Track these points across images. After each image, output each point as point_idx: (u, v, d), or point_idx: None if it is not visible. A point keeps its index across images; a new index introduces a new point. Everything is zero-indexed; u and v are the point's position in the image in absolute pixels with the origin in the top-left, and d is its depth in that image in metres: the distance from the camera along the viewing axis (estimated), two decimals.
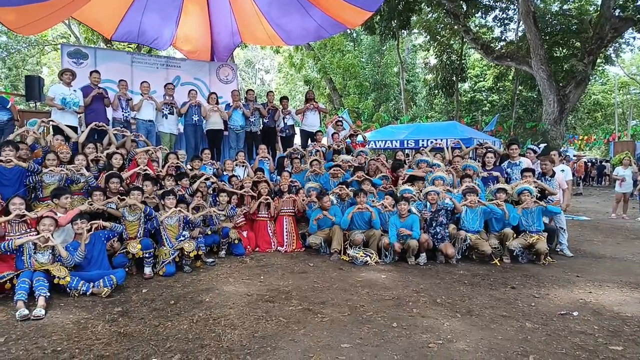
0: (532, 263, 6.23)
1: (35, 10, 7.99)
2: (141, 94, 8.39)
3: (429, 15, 23.18)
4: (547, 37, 20.42)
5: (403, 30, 21.82)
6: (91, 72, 7.92)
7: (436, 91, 26.14)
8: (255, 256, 6.52)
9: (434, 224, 6.29)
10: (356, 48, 28.49)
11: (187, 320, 3.90)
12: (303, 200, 7.13)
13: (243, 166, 7.98)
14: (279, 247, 6.87)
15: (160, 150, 7.59)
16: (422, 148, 8.82)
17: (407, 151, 15.19)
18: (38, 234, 4.60)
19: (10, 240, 4.49)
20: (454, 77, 24.67)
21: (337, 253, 6.30)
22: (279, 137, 9.85)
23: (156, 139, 8.41)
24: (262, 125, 9.58)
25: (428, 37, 25.02)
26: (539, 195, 6.53)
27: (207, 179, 6.90)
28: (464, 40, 22.33)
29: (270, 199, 7.07)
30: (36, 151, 6.35)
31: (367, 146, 9.90)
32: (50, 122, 7.07)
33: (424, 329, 3.73)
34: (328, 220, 6.61)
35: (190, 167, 7.36)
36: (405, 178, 7.43)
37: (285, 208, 7.14)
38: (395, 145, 14.09)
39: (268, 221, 7.07)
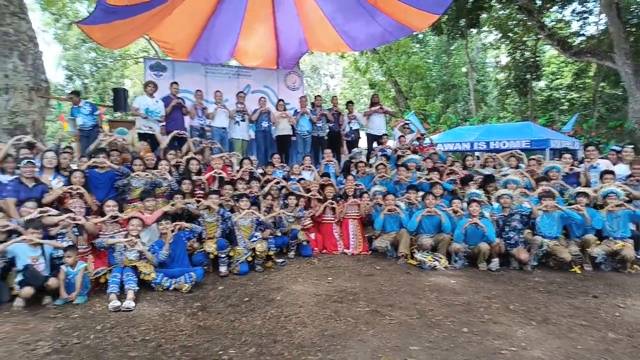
0: (616, 271, 5.81)
1: (119, 26, 8.78)
2: (215, 103, 8.89)
3: (500, 12, 22.26)
4: (633, 29, 18.82)
5: (472, 29, 21.16)
6: (171, 84, 8.55)
7: (508, 90, 25.02)
8: (322, 258, 6.67)
9: (506, 229, 6.08)
10: (422, 49, 27.99)
11: (260, 316, 4.10)
12: (367, 204, 7.18)
13: (310, 170, 8.18)
14: (345, 250, 6.97)
15: (235, 156, 7.98)
16: (495, 154, 8.43)
17: (476, 154, 14.71)
18: (128, 233, 5.06)
19: (104, 239, 5.01)
20: (528, 76, 23.47)
21: (404, 257, 6.27)
22: (344, 142, 9.99)
23: (229, 145, 8.88)
24: (328, 130, 9.75)
25: (499, 34, 24.04)
26: (627, 199, 6.10)
27: (277, 182, 7.16)
28: (539, 36, 21.19)
29: (336, 202, 7.20)
30: (124, 155, 6.95)
31: (435, 148, 9.71)
32: (139, 130, 7.70)
33: (496, 335, 3.65)
34: (395, 224, 6.61)
35: (263, 172, 7.68)
36: (478, 182, 7.23)
37: (350, 211, 7.22)
38: (465, 148, 13.66)
39: (334, 224, 7.20)
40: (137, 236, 5.01)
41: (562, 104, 27.09)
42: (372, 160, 9.28)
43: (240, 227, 6.00)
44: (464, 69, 27.80)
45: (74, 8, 19.87)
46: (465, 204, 6.38)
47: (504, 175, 7.31)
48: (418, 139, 9.47)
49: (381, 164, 7.92)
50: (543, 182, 6.73)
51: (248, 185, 6.89)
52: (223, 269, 5.63)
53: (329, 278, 5.47)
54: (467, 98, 27.31)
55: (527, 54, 23.60)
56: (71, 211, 4.97)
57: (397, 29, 9.97)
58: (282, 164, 8.28)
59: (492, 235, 5.89)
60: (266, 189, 6.93)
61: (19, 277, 4.33)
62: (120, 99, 10.00)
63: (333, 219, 7.16)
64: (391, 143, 9.94)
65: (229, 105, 9.11)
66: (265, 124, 9.16)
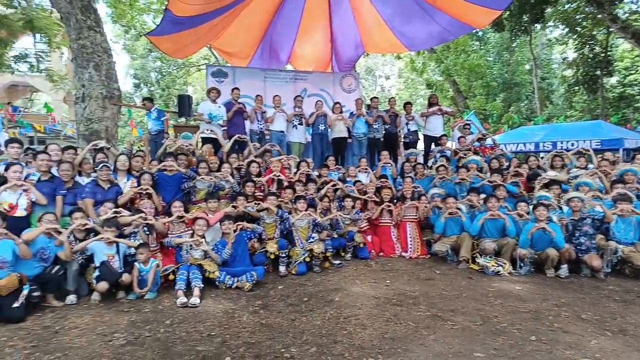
0: None
1: (184, 36, 9.26)
2: (274, 107, 9.10)
3: (567, 6, 21.04)
4: None
5: (536, 25, 20.15)
6: (233, 89, 8.88)
7: (576, 88, 23.53)
8: (379, 260, 6.62)
9: (577, 234, 5.75)
10: (482, 47, 27.01)
11: (319, 316, 4.15)
12: (426, 206, 7.04)
13: (366, 172, 8.15)
14: (403, 253, 6.88)
15: (292, 159, 8.12)
16: (562, 151, 7.99)
17: (541, 154, 14.00)
18: (193, 232, 5.29)
19: (172, 238, 5.28)
20: (598, 72, 21.98)
21: (465, 261, 6.09)
22: (401, 143, 9.87)
23: (287, 148, 9.05)
24: (384, 132, 9.67)
25: (565, 29, 22.71)
26: None
27: (334, 185, 7.20)
28: (610, 29, 19.79)
29: (393, 205, 7.13)
30: (190, 159, 7.25)
31: (497, 149, 9.34)
32: (203, 135, 8.03)
33: (567, 345, 3.46)
34: (455, 227, 6.44)
35: (319, 174, 7.76)
36: (542, 183, 6.90)
37: (408, 214, 7.12)
38: (529, 148, 13.02)
39: (391, 227, 7.12)
40: (202, 236, 5.23)
41: (637, 101, 25.10)
42: (430, 162, 9.10)
43: (297, 228, 6.10)
44: (527, 66, 26.50)
45: (142, 20, 21.03)
46: (531, 208, 6.09)
47: (574, 178, 6.91)
48: (479, 139, 9.16)
49: (442, 165, 7.75)
50: (618, 184, 6.29)
51: (305, 187, 6.99)
52: (282, 268, 5.75)
53: (387, 281, 5.42)
54: (530, 96, 26.00)
55: (596, 48, 22.09)
56: (142, 211, 5.28)
57: (456, 27, 9.74)
58: (337, 166, 8.33)
59: (561, 241, 5.58)
60: (323, 191, 6.99)
61: (96, 273, 4.66)
62: (184, 105, 10.48)
63: (390, 221, 7.09)
64: (449, 144, 9.66)
65: (286, 109, 9.29)
66: (321, 127, 9.25)
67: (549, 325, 3.90)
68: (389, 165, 8.44)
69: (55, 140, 15.26)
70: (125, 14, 17.70)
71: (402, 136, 9.76)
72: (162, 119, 8.76)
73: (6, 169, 5.10)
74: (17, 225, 4.55)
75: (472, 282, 5.41)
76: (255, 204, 6.24)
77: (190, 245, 5.18)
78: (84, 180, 5.87)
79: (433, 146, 9.41)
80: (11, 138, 6.63)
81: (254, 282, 5.08)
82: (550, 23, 23.57)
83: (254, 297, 4.80)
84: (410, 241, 6.91)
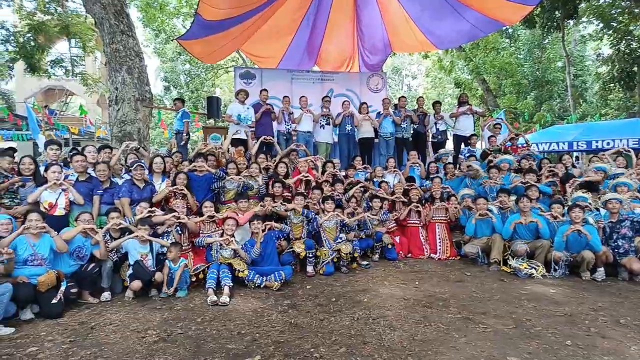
0: None
1: (213, 40, 9.40)
2: (301, 108, 9.13)
3: (601, 1, 20.36)
4: None
5: (569, 20, 19.54)
6: (261, 91, 8.96)
7: (612, 85, 22.71)
8: (408, 262, 6.56)
9: (614, 237, 5.55)
10: (512, 44, 26.39)
11: (348, 317, 4.14)
12: (455, 207, 6.93)
13: (394, 173, 8.08)
14: (431, 254, 6.80)
15: (320, 159, 8.13)
16: (601, 153, 7.71)
17: (575, 154, 13.57)
18: (223, 232, 5.37)
19: (203, 238, 5.37)
20: (635, 68, 21.16)
21: (496, 263, 5.96)
22: (429, 143, 9.74)
23: (314, 149, 9.07)
24: (412, 132, 9.58)
25: (600, 25, 21.95)
26: None
27: (363, 186, 7.17)
28: None
29: (421, 205, 7.05)
30: (219, 160, 7.36)
31: (530, 149, 9.09)
32: (233, 136, 8.15)
33: (605, 350, 3.34)
34: (486, 229, 6.31)
35: (345, 175, 7.75)
36: (575, 185, 6.69)
37: (437, 215, 7.03)
38: (563, 148, 12.62)
39: (420, 228, 7.05)
40: (232, 235, 5.30)
41: None
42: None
43: (325, 229, 6.11)
44: (559, 64, 25.73)
45: (171, 24, 21.50)
46: (566, 209, 5.91)
47: (614, 177, 6.67)
48: (511, 139, 8.95)
49: (471, 165, 7.61)
50: None
51: (332, 187, 6.99)
52: (310, 269, 5.76)
53: (416, 282, 5.37)
54: (563, 95, 25.25)
55: (633, 44, 21.27)
56: (175, 211, 5.40)
57: (486, 24, 9.54)
58: (364, 166, 8.29)
59: (598, 244, 5.41)
60: (350, 192, 6.96)
61: (130, 271, 4.79)
62: (213, 106, 10.63)
63: (419, 222, 7.01)
64: (479, 145, 9.50)
65: (313, 110, 9.31)
66: (348, 127, 9.22)
67: (585, 330, 3.77)
68: (417, 165, 8.35)
69: (89, 142, 15.76)
70: (156, 18, 18.15)
71: (431, 136, 9.63)
72: (183, 120, 8.95)
73: (46, 170, 5.29)
74: (56, 224, 4.70)
75: (504, 284, 5.29)
76: (282, 204, 6.27)
77: (220, 245, 5.25)
78: (119, 180, 6.04)
79: (463, 146, 9.26)
80: (50, 140, 6.87)
81: (282, 281, 5.12)
82: (584, 18, 22.83)
83: (283, 297, 4.83)
84: (439, 242, 6.82)
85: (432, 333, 3.74)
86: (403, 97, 9.98)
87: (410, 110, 9.57)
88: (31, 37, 12.15)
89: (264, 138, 8.05)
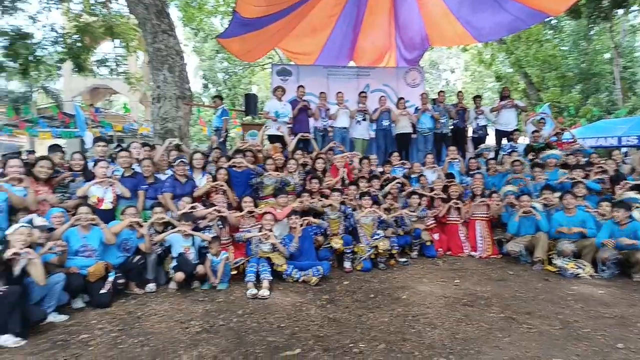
0: None
1: (252, 38, 9.51)
2: (337, 104, 9.11)
3: None
4: None
5: (618, 10, 18.57)
6: (298, 87, 9.01)
7: None
8: (447, 259, 6.45)
9: None
10: (556, 36, 25.35)
11: (387, 314, 4.12)
12: (497, 204, 6.74)
13: (432, 169, 7.94)
14: (472, 252, 6.65)
15: (356, 155, 8.10)
16: None
17: (623, 149, 12.91)
18: (262, 227, 5.44)
19: (242, 233, 5.45)
20: None
21: (540, 262, 5.77)
22: (469, 138, 9.53)
23: (350, 145, 9.04)
24: (451, 127, 9.38)
25: None
26: None
27: (401, 183, 7.10)
28: None
29: (461, 202, 6.90)
30: (257, 156, 7.46)
31: (576, 144, 8.73)
32: (271, 132, 8.24)
33: None
34: (530, 227, 6.12)
35: (382, 171, 7.68)
36: (627, 187, 6.35)
37: (478, 212, 6.86)
38: (611, 143, 12.03)
39: (459, 225, 6.91)
40: (270, 230, 5.37)
41: None
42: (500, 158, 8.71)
43: (362, 225, 6.09)
44: (607, 55, 24.53)
45: (210, 22, 21.91)
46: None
47: None
48: (557, 134, 8.61)
49: (517, 160, 7.38)
50: None
51: (369, 183, 6.94)
52: (347, 264, 5.76)
53: (456, 280, 5.27)
54: (611, 88, 24.05)
55: None
56: (215, 205, 5.52)
57: (529, 15, 9.21)
58: (402, 162, 8.19)
59: None
60: (387, 188, 6.90)
61: (173, 263, 4.95)
62: (251, 103, 10.78)
63: (458, 219, 6.87)
64: (522, 140, 9.21)
65: (349, 105, 9.27)
66: (385, 123, 9.14)
67: (637, 333, 3.61)
68: (457, 161, 8.18)
69: (132, 139, 16.32)
70: (195, 17, 18.51)
71: (471, 131, 9.41)
72: (222, 117, 9.11)
73: (94, 166, 5.52)
74: (103, 218, 4.88)
75: (549, 284, 5.12)
76: (319, 200, 6.28)
77: (260, 239, 5.33)
78: (162, 176, 6.22)
79: (504, 141, 8.99)
80: (98, 137, 7.18)
81: (320, 276, 5.14)
82: (635, 7, 21.62)
83: (321, 292, 4.85)
84: (480, 240, 6.66)
85: (473, 332, 3.67)
86: (442, 91, 9.79)
87: (450, 105, 9.38)
88: (78, 38, 12.64)
89: (302, 135, 8.11)
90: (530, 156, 8.03)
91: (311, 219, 5.70)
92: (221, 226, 5.50)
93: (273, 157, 6.94)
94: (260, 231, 5.41)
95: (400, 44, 11.78)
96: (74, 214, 4.66)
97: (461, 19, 10.15)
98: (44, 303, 3.95)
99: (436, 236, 6.76)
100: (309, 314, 4.13)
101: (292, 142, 7.96)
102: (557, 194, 6.33)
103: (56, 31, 12.80)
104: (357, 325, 3.84)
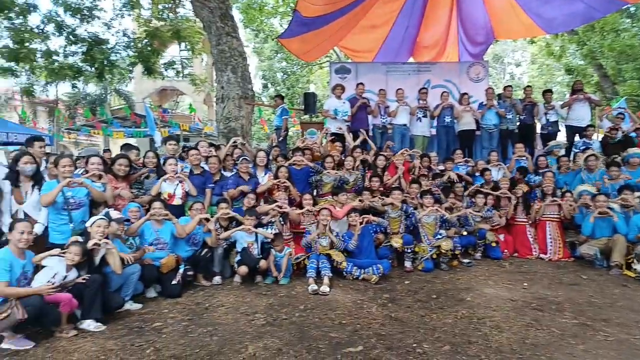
0: None
1: (312, 38, 9.60)
2: (397, 101, 8.99)
3: None
4: None
5: None
6: (357, 84, 8.99)
7: None
8: (514, 261, 6.20)
9: None
10: (635, 24, 23.46)
11: (451, 315, 4.02)
12: (571, 205, 6.36)
13: (497, 166, 7.63)
14: (541, 255, 6.33)
15: (416, 153, 7.95)
16: None
17: None
18: (319, 223, 5.49)
19: (306, 238, 5.50)
20: None
21: (618, 267, 5.39)
22: (538, 135, 9.06)
23: (410, 142, 8.89)
24: (518, 123, 8.96)
25: None
26: None
27: (467, 181, 6.91)
28: None
29: (530, 202, 6.58)
30: (316, 154, 7.54)
31: None
32: (330, 130, 8.30)
33: None
34: (606, 229, 5.72)
35: (444, 168, 7.50)
36: None
37: (548, 212, 6.51)
38: None
39: (527, 226, 6.60)
40: (328, 226, 5.40)
41: None
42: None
43: (423, 224, 5.98)
44: None
45: (270, 24, 22.38)
46: None
47: None
48: (636, 129, 7.98)
49: (592, 155, 6.92)
50: None
51: (432, 181, 6.81)
52: (408, 264, 5.68)
53: (524, 284, 5.05)
54: None
55: None
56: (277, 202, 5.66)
57: (605, 3, 8.63)
58: (465, 160, 7.95)
59: None
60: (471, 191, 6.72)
61: (238, 258, 5.13)
62: (310, 102, 10.89)
63: (527, 220, 6.56)
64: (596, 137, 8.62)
65: (409, 102, 9.11)
66: (447, 119, 8.89)
67: None
68: (524, 158, 7.80)
69: (198, 138, 17.05)
70: (255, 18, 19.01)
71: (540, 127, 8.94)
72: (282, 116, 9.25)
73: (163, 163, 5.84)
74: (174, 213, 5.13)
75: (628, 290, 4.77)
76: (380, 198, 6.24)
77: (318, 234, 5.39)
78: (227, 174, 6.46)
79: (577, 138, 8.46)
80: (169, 136, 7.58)
81: (381, 275, 5.11)
82: None
83: (381, 290, 4.83)
84: (551, 242, 6.33)
85: (544, 337, 3.50)
86: (509, 86, 9.34)
87: (517, 100, 8.95)
88: (148, 43, 13.37)
89: (361, 132, 8.14)
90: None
91: (371, 217, 5.68)
92: (283, 222, 5.63)
93: (333, 154, 6.98)
94: (317, 227, 5.47)
95: (464, 38, 11.42)
96: (147, 209, 4.97)
97: (529, 11, 9.66)
98: (121, 292, 4.23)
99: (502, 237, 6.50)
100: (370, 312, 4.13)
101: (357, 140, 8.01)
102: (638, 194, 5.88)
103: (128, 36, 13.59)
104: (420, 325, 3.79)
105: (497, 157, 7.76)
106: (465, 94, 9.11)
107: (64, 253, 3.82)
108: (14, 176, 4.49)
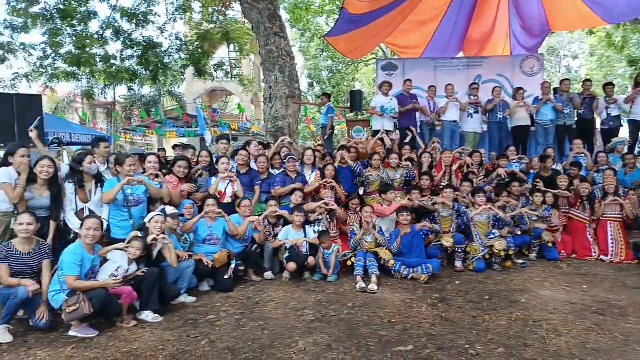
0: None
1: (359, 34, 9.56)
2: (446, 97, 8.79)
3: None
4: None
5: None
6: (405, 81, 8.89)
7: None
8: (572, 263, 5.92)
9: None
10: None
11: (504, 317, 3.91)
12: (635, 203, 5.99)
13: (553, 164, 7.28)
14: (602, 256, 6.01)
15: (466, 150, 7.74)
16: None
17: None
18: (361, 220, 5.48)
19: (353, 240, 5.48)
20: None
21: None
22: (597, 130, 8.58)
23: (460, 139, 8.68)
24: (576, 118, 8.52)
25: None
26: None
27: (521, 179, 6.68)
28: None
29: (589, 200, 6.25)
30: (361, 152, 7.51)
31: None
32: (376, 128, 8.27)
33: None
34: None
35: (497, 165, 7.26)
36: None
37: (609, 212, 6.16)
38: None
39: (587, 225, 6.27)
40: (372, 224, 5.36)
41: None
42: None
43: (476, 224, 5.82)
44: None
45: (316, 23, 22.49)
46: None
47: None
48: None
49: None
50: None
51: (484, 179, 6.62)
52: (459, 264, 5.56)
53: (584, 286, 4.82)
54: None
55: None
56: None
57: None
58: (519, 157, 7.66)
59: None
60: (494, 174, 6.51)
61: (286, 254, 5.22)
62: (356, 100, 10.85)
63: (586, 219, 6.24)
64: None
65: (459, 98, 8.88)
66: (499, 115, 8.61)
67: None
68: (583, 155, 7.42)
69: (246, 137, 17.45)
70: (302, 18, 19.17)
71: (600, 122, 8.46)
72: (328, 115, 9.27)
73: (216, 162, 6.02)
74: (225, 210, 5.29)
75: None
76: (430, 198, 6.13)
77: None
78: (275, 172, 6.57)
79: None
80: (221, 135, 7.79)
81: (430, 274, 5.02)
82: None
83: (431, 290, 4.75)
84: (612, 243, 5.99)
85: (607, 343, 3.33)
86: (567, 79, 8.92)
87: (575, 94, 8.52)
88: (199, 45, 13.81)
89: (411, 132, 8.08)
90: None
91: (428, 223, 5.64)
92: (329, 220, 5.68)
93: (379, 152, 6.93)
94: (360, 224, 5.46)
95: (518, 31, 10.97)
96: (200, 206, 5.15)
97: (588, 1, 9.14)
98: (177, 285, 4.41)
99: (559, 237, 6.22)
100: (420, 312, 4.08)
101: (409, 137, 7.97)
102: None
103: (180, 39, 14.10)
104: (472, 326, 3.70)
105: (553, 153, 7.40)
106: (520, 88, 8.77)
107: (126, 247, 4.04)
108: (78, 176, 4.64)
